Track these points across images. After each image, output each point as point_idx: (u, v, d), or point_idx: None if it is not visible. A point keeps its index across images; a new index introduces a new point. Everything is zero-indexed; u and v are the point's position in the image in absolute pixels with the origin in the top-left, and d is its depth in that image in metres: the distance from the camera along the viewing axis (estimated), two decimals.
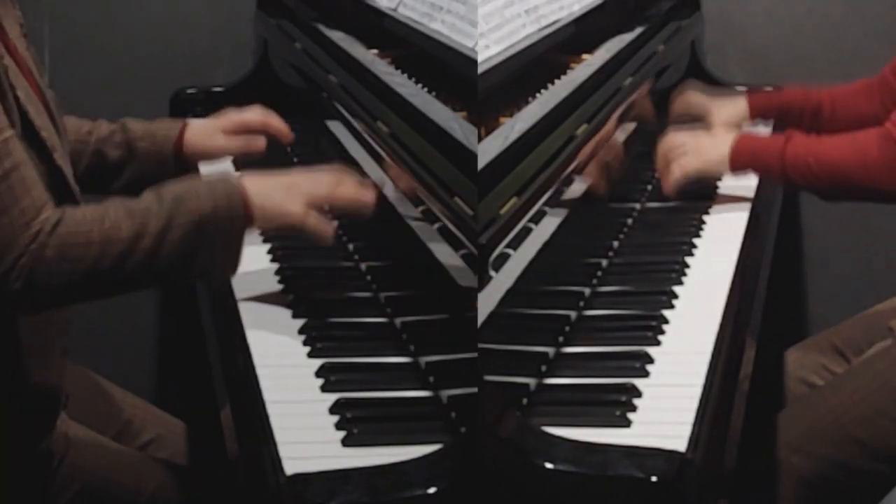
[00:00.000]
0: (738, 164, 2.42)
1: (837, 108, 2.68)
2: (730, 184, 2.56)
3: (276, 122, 2.38)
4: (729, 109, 2.74)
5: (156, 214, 1.80)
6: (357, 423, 1.63)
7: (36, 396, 1.91)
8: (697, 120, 2.76)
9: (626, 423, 1.63)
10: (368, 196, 1.96)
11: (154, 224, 1.79)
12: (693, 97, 2.79)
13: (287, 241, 2.21)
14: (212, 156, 2.37)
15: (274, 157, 2.82)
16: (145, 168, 2.28)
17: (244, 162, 2.75)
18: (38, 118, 1.88)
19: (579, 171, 2.05)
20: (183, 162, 2.32)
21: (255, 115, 2.38)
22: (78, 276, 1.77)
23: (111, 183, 2.28)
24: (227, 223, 1.84)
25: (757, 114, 2.75)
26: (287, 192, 1.91)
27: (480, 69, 1.93)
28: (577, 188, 2.13)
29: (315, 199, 1.92)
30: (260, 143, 2.35)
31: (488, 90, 1.96)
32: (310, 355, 1.84)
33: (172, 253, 1.80)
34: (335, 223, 2.01)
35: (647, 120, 2.68)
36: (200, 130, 2.34)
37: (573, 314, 1.99)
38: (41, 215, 1.76)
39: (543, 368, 1.80)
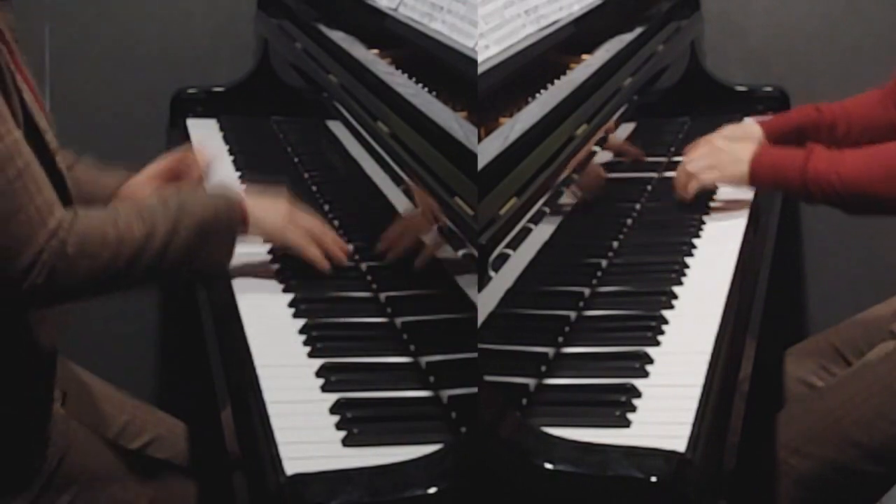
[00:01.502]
0: (759, 179, 2.40)
1: (853, 122, 2.66)
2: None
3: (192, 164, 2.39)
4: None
5: (163, 218, 1.91)
6: (357, 423, 1.63)
7: (27, 394, 1.91)
8: None
9: (626, 424, 1.63)
10: (341, 257, 2.13)
11: (162, 227, 1.90)
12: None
13: None
14: None
15: (276, 159, 2.84)
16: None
17: (247, 166, 2.76)
18: (42, 122, 1.90)
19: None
20: None
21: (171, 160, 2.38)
22: (95, 272, 1.84)
23: None
24: (227, 229, 2.00)
25: (773, 141, 2.73)
26: (284, 216, 2.09)
27: (480, 69, 1.93)
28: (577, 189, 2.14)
29: (308, 228, 2.11)
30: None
31: (488, 90, 1.96)
32: (310, 355, 1.84)
33: (177, 254, 1.92)
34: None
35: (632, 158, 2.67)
36: (134, 185, 2.30)
37: (573, 314, 1.99)
38: (56, 213, 1.80)
39: (543, 368, 1.80)
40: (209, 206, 1.98)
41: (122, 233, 1.86)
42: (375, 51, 2.55)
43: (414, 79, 2.30)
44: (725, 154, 2.46)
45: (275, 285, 2.08)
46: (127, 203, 1.96)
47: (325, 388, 1.74)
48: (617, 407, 1.67)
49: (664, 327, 1.93)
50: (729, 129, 2.74)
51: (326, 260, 2.10)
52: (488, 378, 1.58)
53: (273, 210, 2.09)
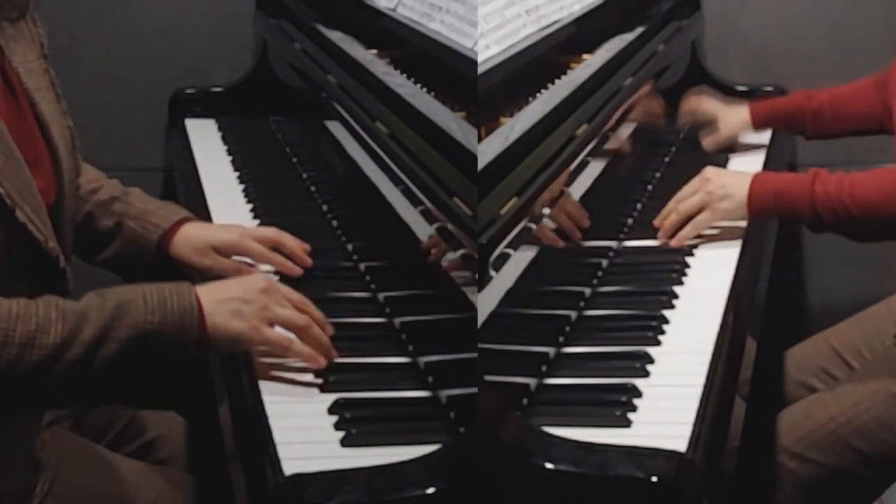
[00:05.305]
0: (759, 208, 2.26)
1: (839, 110, 2.66)
2: None
3: (281, 256, 2.09)
4: (733, 119, 2.74)
5: (92, 322, 1.60)
6: (356, 423, 1.63)
7: (11, 421, 1.76)
8: (705, 124, 2.76)
9: (627, 423, 1.63)
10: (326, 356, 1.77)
11: (87, 333, 1.59)
12: (703, 103, 2.79)
13: None
14: (193, 269, 2.05)
15: (274, 159, 2.84)
16: (128, 249, 2.05)
17: (246, 166, 2.75)
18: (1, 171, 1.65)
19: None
20: (163, 257, 2.06)
21: (258, 246, 2.08)
22: None
23: (97, 253, 2.07)
24: (176, 342, 1.64)
25: (760, 122, 2.74)
26: (254, 314, 1.71)
27: (480, 69, 1.92)
28: (577, 188, 2.13)
29: (289, 322, 1.76)
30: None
31: (488, 90, 1.95)
32: None
33: (105, 368, 1.60)
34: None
35: (655, 121, 2.67)
36: (195, 240, 2.05)
37: (573, 314, 1.98)
38: None
39: (543, 368, 1.79)
40: (155, 311, 1.62)
41: (32, 334, 1.56)
42: (374, 51, 2.55)
43: (413, 79, 2.29)
44: (716, 189, 2.28)
45: None
46: (53, 298, 1.61)
47: (323, 388, 1.73)
48: (617, 407, 1.66)
49: (665, 327, 1.93)
50: (722, 109, 2.75)
51: (318, 354, 1.76)
52: (488, 378, 1.58)
53: (239, 311, 1.70)
